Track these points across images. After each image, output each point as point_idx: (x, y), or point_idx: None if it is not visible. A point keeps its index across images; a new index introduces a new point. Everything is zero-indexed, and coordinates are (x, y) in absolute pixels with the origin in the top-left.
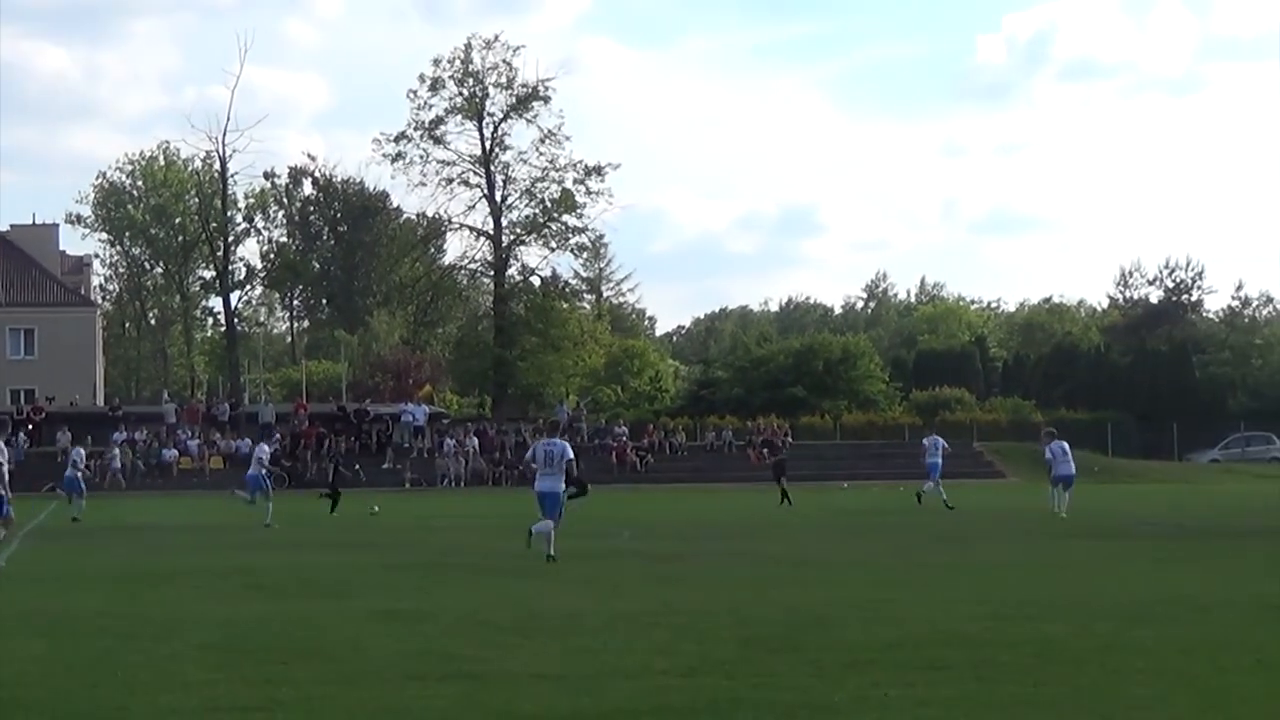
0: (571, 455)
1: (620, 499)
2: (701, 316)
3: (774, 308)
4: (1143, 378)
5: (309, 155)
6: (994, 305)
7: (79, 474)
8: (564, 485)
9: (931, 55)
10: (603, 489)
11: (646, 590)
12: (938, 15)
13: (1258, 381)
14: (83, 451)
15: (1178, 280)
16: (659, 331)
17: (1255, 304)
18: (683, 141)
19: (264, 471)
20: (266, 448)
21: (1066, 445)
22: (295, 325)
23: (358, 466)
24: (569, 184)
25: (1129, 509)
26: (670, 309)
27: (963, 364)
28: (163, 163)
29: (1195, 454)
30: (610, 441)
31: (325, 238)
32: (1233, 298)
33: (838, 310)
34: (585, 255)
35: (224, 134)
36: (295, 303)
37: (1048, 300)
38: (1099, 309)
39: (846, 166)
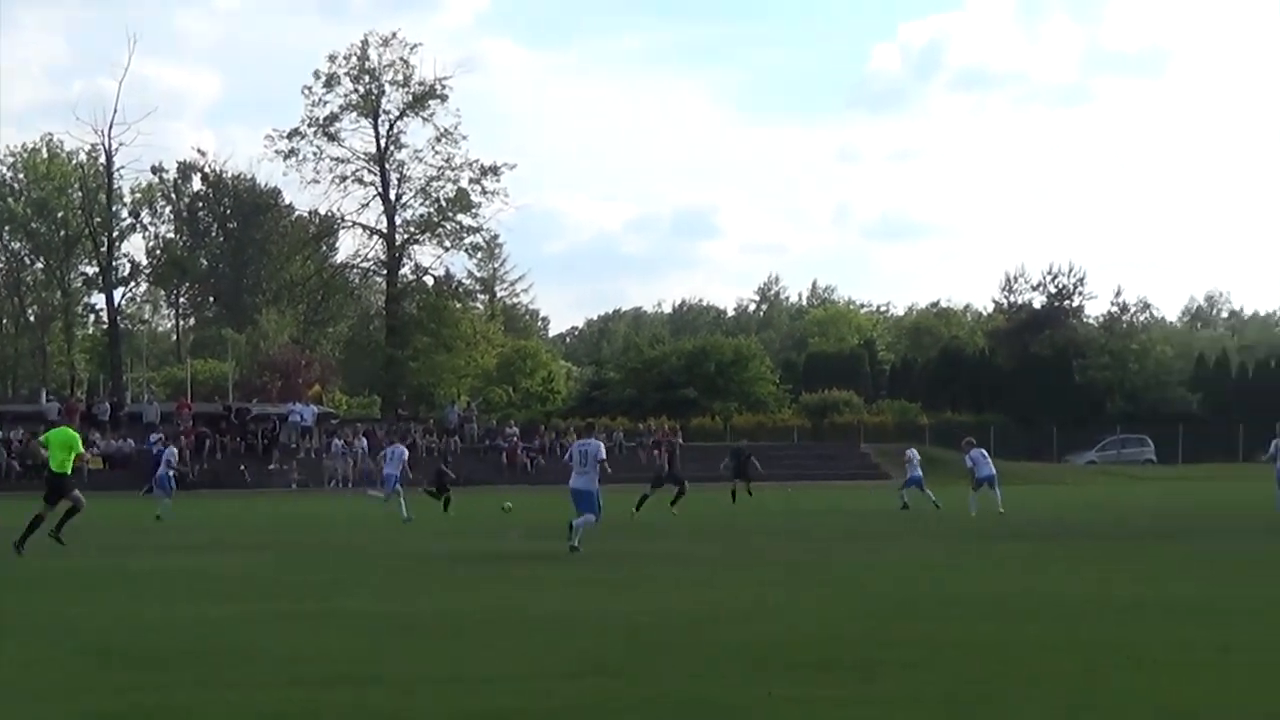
0: (604, 455)
1: (510, 500)
2: (595, 318)
3: (667, 309)
4: (1025, 381)
5: (199, 150)
6: (883, 309)
7: None
8: (598, 483)
9: (827, 62)
10: (493, 490)
11: (535, 591)
12: (834, 22)
13: (1134, 386)
14: None
15: (1060, 286)
16: (552, 332)
17: (1133, 310)
18: (579, 143)
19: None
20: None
21: (985, 451)
22: (181, 323)
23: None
24: (464, 183)
25: (1012, 510)
26: (563, 310)
27: (852, 367)
28: (45, 155)
29: (1074, 456)
30: (501, 442)
31: (214, 234)
32: (1112, 304)
33: (730, 313)
34: (479, 255)
35: (110, 127)
36: (181, 300)
37: (935, 305)
38: (984, 313)
39: (741, 170)
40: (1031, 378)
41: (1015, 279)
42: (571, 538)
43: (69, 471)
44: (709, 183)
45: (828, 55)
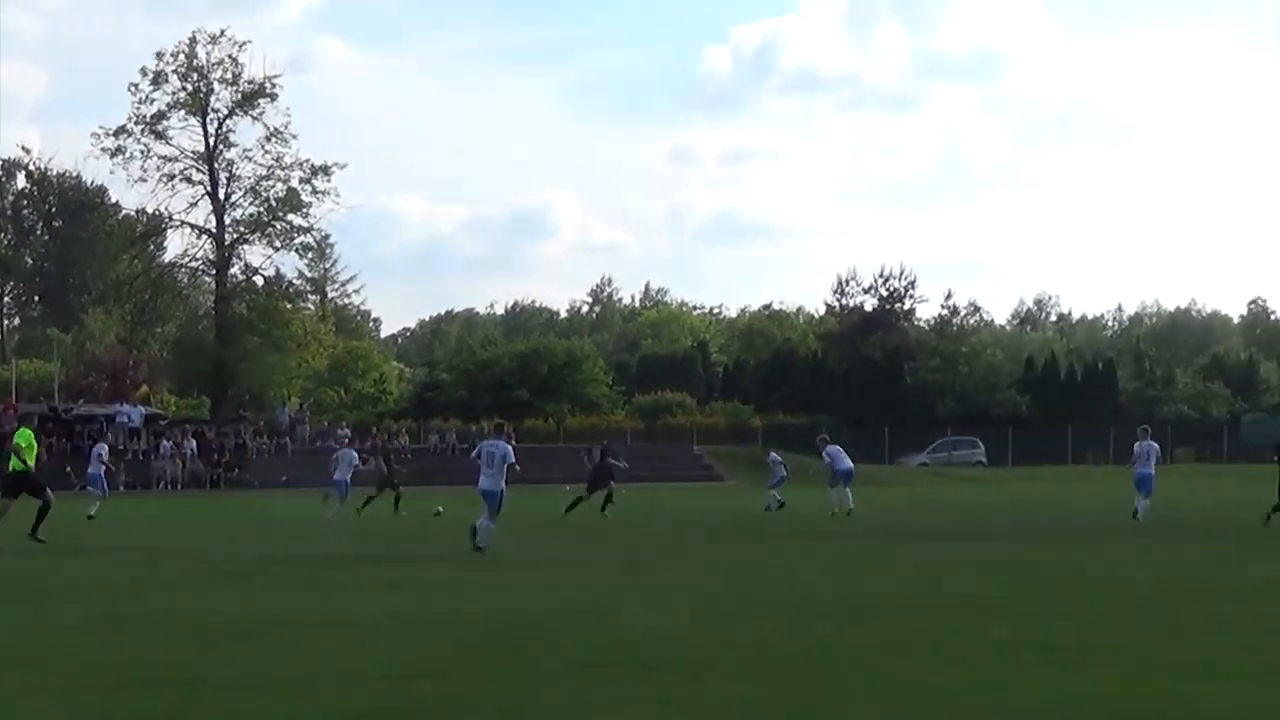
0: (513, 458)
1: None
2: (427, 319)
3: (500, 311)
4: (857, 383)
5: (23, 148)
6: (716, 311)
7: None
8: (504, 485)
9: (660, 64)
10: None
11: (366, 594)
12: (667, 25)
13: (965, 388)
14: None
15: (891, 289)
16: (384, 333)
17: (963, 313)
18: (411, 143)
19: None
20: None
21: (840, 447)
22: (5, 323)
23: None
24: (295, 183)
25: (840, 511)
26: (396, 311)
27: (684, 369)
28: None
29: (905, 458)
30: (333, 444)
31: (39, 233)
32: (942, 307)
33: (563, 314)
34: (310, 255)
35: None
36: (6, 299)
37: (768, 307)
38: (816, 316)
39: (575, 171)
40: (863, 380)
41: (847, 282)
42: (477, 539)
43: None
44: (542, 184)
45: (660, 57)
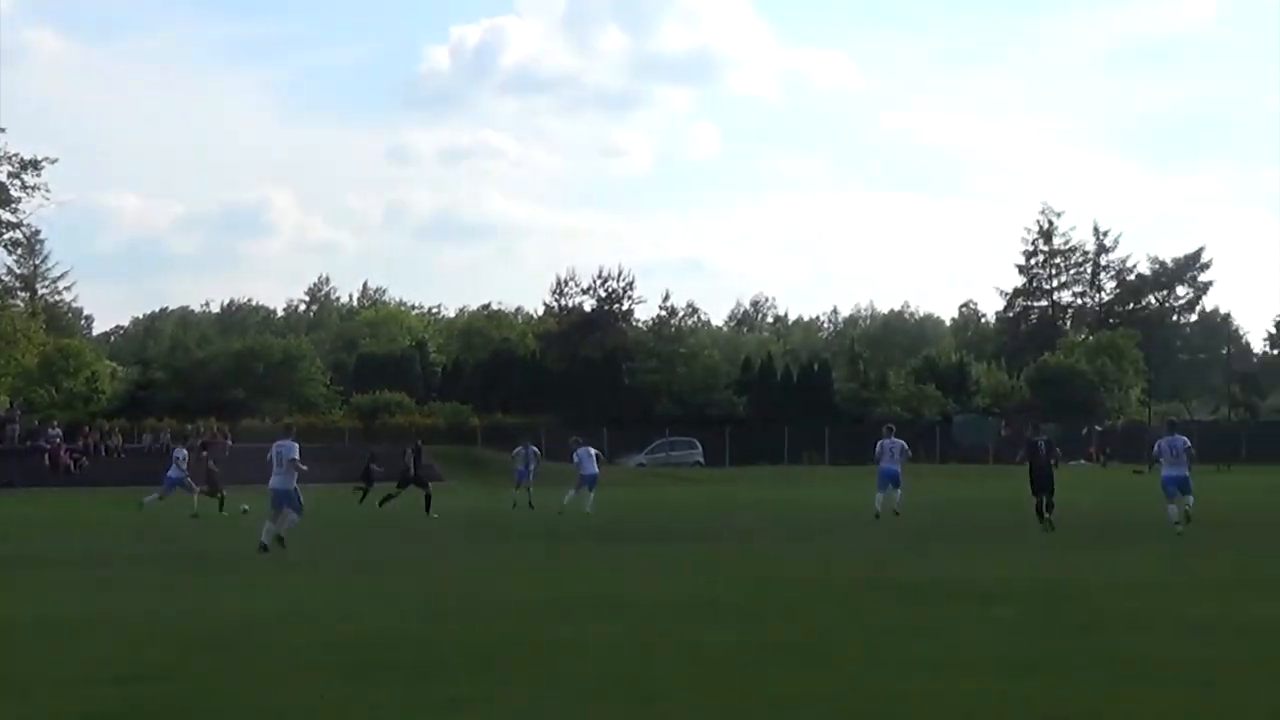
0: (298, 456)
1: (54, 503)
2: (140, 316)
3: (215, 309)
4: (576, 383)
5: None
6: (435, 311)
7: None
8: (295, 483)
9: (379, 61)
10: (36, 493)
11: (81, 595)
12: (386, 22)
13: (683, 389)
14: None
15: (610, 290)
16: (96, 331)
17: (681, 314)
18: (126, 139)
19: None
20: (184, 450)
21: (591, 449)
22: None
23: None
24: (3, 177)
25: (568, 511)
26: (108, 308)
27: (403, 368)
28: None
29: (624, 458)
30: (44, 444)
31: None
32: (660, 308)
33: (280, 313)
34: (19, 252)
35: None
36: None
37: (487, 307)
38: (535, 316)
39: (293, 169)
40: (582, 380)
41: (566, 282)
42: (262, 536)
43: None
44: (259, 182)
45: (379, 55)
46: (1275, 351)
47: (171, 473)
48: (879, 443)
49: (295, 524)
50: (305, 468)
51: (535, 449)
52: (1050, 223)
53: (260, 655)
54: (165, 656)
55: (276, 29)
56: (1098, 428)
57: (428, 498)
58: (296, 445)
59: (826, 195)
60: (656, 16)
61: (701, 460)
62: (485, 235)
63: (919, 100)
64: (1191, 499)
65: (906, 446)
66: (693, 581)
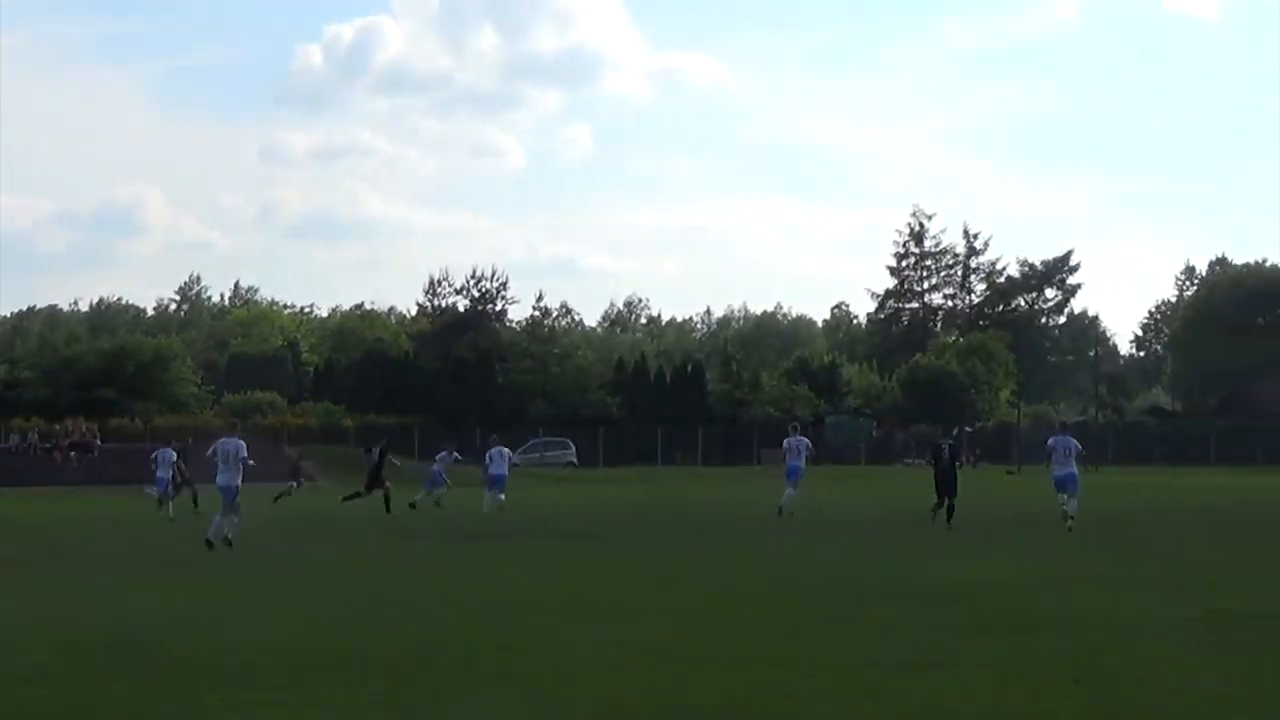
0: (245, 454)
1: None
2: (8, 315)
3: (85, 308)
4: (449, 384)
5: None
6: (307, 310)
7: None
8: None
9: (252, 60)
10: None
11: None
12: (259, 20)
13: (556, 389)
14: None
15: (483, 290)
16: None
17: (555, 315)
18: None
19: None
20: (171, 451)
21: (504, 449)
22: None
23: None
24: None
25: (445, 511)
26: None
27: (275, 368)
28: None
29: None
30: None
31: None
32: (534, 308)
33: (150, 312)
34: None
35: None
36: None
37: (360, 307)
38: (409, 316)
39: (164, 168)
40: (456, 380)
41: (439, 282)
42: (213, 534)
43: None
44: (130, 180)
45: (252, 53)
46: (1141, 354)
47: (159, 473)
48: (785, 440)
49: (235, 525)
50: (253, 463)
51: (458, 454)
52: (921, 225)
53: (168, 657)
54: (59, 659)
55: (148, 26)
56: (968, 429)
57: (386, 498)
58: (243, 443)
59: (700, 196)
60: (530, 17)
61: (575, 461)
62: (358, 235)
63: (791, 102)
64: (1077, 499)
65: (811, 445)
66: (570, 581)
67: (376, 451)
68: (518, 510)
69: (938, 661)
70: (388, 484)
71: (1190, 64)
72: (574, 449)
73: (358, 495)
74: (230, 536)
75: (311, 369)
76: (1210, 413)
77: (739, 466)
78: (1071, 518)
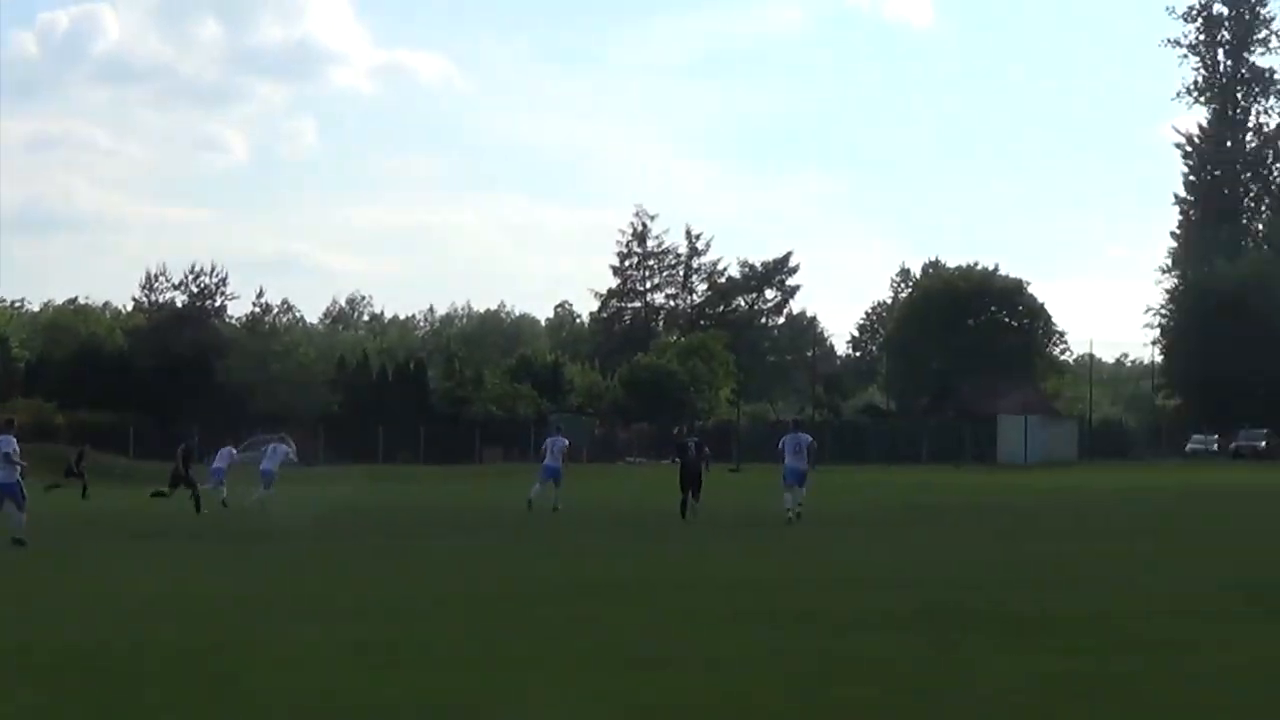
0: (13, 450)
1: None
2: None
3: None
4: (166, 381)
5: None
6: (17, 305)
7: None
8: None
9: None
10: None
11: None
12: None
13: (276, 386)
14: None
15: (202, 286)
16: None
17: (275, 312)
18: None
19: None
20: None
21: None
22: None
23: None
24: None
25: (152, 512)
26: None
27: None
28: None
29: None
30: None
31: None
32: (254, 305)
33: None
34: None
35: None
36: None
37: (73, 301)
38: (125, 311)
39: None
40: (173, 377)
41: (156, 277)
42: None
43: None
44: None
45: None
46: (857, 354)
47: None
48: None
49: (23, 523)
50: (25, 464)
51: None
52: (644, 225)
53: None
54: None
55: None
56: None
57: (195, 498)
58: (14, 439)
59: (425, 194)
60: (254, 9)
61: (295, 459)
62: (73, 227)
63: (518, 101)
64: (805, 492)
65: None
66: (281, 580)
67: (180, 451)
68: (234, 508)
69: (665, 660)
70: (197, 483)
71: (907, 70)
72: (294, 447)
73: (162, 494)
74: (20, 536)
75: (21, 364)
76: (922, 412)
77: (460, 465)
78: (797, 511)
